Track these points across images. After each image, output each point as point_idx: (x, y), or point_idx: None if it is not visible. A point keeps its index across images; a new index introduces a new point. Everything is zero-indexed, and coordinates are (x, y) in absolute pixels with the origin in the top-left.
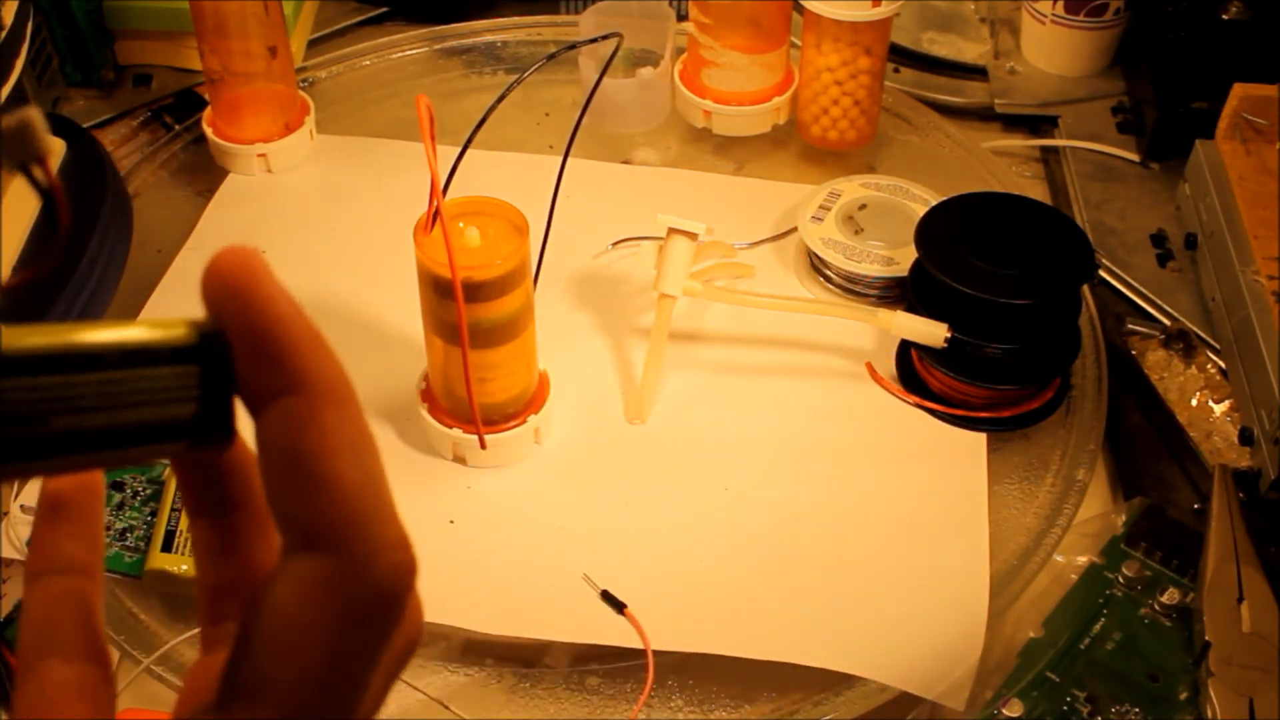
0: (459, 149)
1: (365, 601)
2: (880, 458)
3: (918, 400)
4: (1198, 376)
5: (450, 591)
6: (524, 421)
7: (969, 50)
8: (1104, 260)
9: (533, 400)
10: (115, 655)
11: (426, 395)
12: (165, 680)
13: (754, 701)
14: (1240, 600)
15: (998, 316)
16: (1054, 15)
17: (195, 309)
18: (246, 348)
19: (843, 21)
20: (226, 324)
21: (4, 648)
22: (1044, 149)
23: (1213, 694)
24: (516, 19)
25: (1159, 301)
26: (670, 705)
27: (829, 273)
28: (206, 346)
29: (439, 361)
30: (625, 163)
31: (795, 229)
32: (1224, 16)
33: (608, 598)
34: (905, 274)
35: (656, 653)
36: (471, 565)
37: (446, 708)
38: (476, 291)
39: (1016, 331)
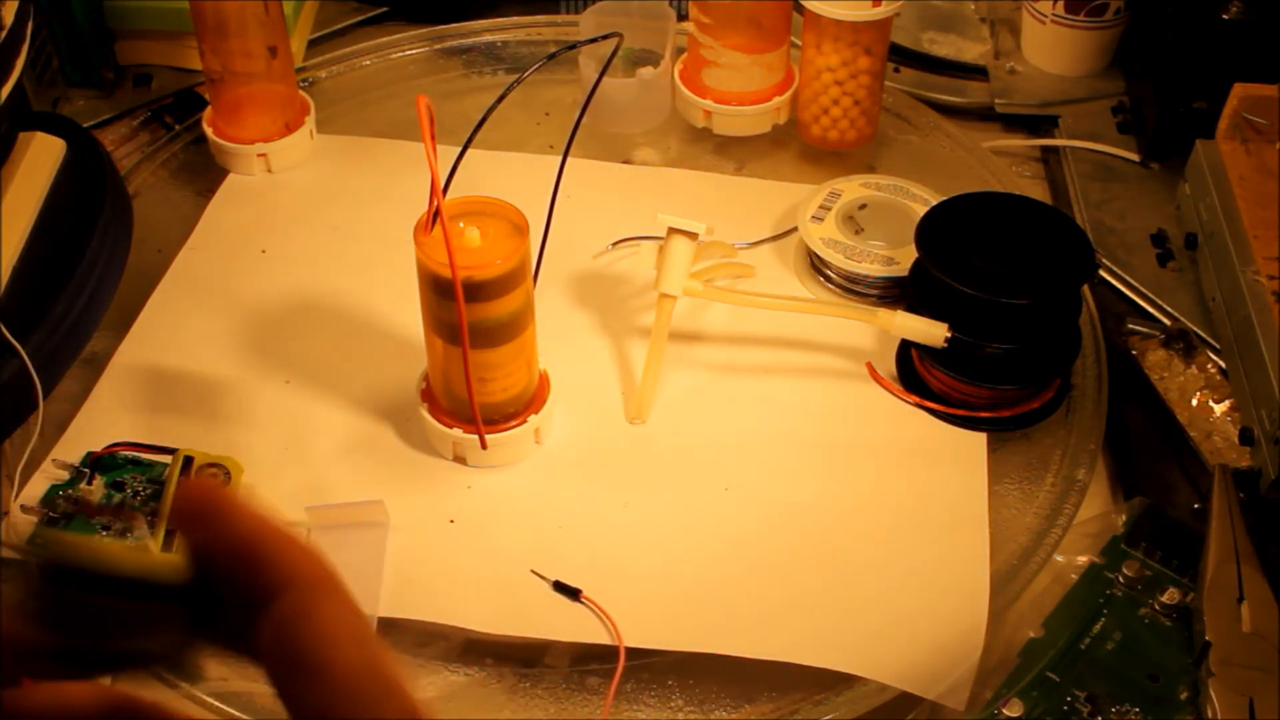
0: (459, 149)
1: None
2: (880, 458)
3: (918, 400)
4: (1198, 376)
5: (450, 591)
6: (524, 421)
7: (969, 50)
8: (1104, 260)
9: (533, 400)
10: None
11: (426, 395)
12: (166, 679)
13: (754, 701)
14: (1240, 600)
15: (998, 316)
16: (1054, 15)
17: (194, 309)
18: (230, 564)
19: (843, 21)
20: (206, 551)
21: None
22: (1044, 149)
23: (1213, 694)
24: (516, 19)
25: (1159, 301)
26: (670, 705)
27: (829, 273)
28: (192, 590)
29: (439, 361)
30: (625, 163)
31: (795, 229)
32: (1224, 16)
33: (560, 587)
34: (905, 274)
35: (657, 652)
36: (471, 565)
37: None
38: (476, 291)
39: (1016, 331)
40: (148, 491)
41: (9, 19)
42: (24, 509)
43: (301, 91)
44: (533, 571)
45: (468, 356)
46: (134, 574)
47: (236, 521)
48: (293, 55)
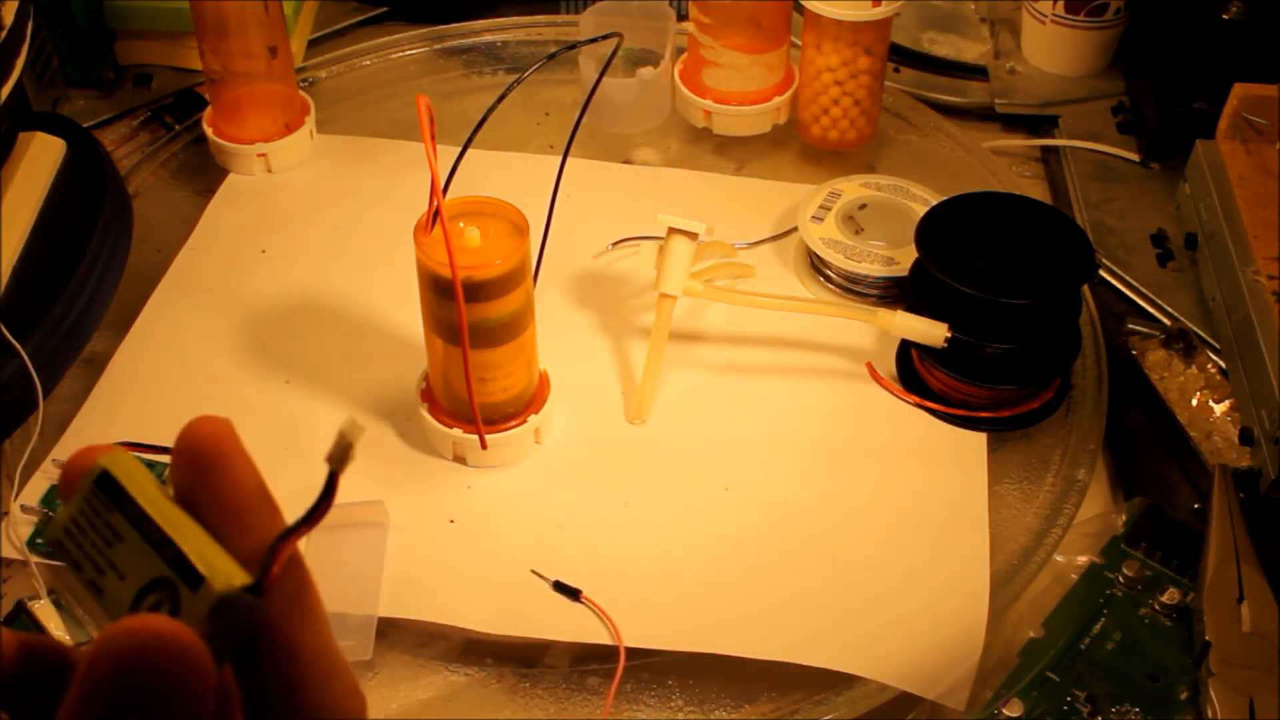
0: (459, 149)
1: None
2: (880, 458)
3: (918, 400)
4: (1198, 376)
5: (450, 591)
6: (524, 421)
7: (969, 50)
8: (1104, 260)
9: (533, 400)
10: None
11: (426, 395)
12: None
13: (754, 701)
14: (1240, 600)
15: (998, 316)
16: (1054, 15)
17: (194, 309)
18: (211, 523)
19: (843, 21)
20: (193, 502)
21: None
22: (1044, 149)
23: (1213, 694)
24: (516, 19)
25: (1159, 301)
26: (670, 705)
27: (829, 273)
28: (234, 607)
29: (439, 361)
30: (625, 163)
31: (795, 229)
32: (1224, 16)
33: (560, 587)
34: (905, 274)
35: (656, 652)
36: (471, 565)
37: None
38: (476, 291)
39: (1016, 331)
40: None
41: (9, 19)
42: (24, 509)
43: (301, 91)
44: (533, 571)
45: (468, 356)
46: (164, 529)
47: (232, 482)
48: (293, 55)
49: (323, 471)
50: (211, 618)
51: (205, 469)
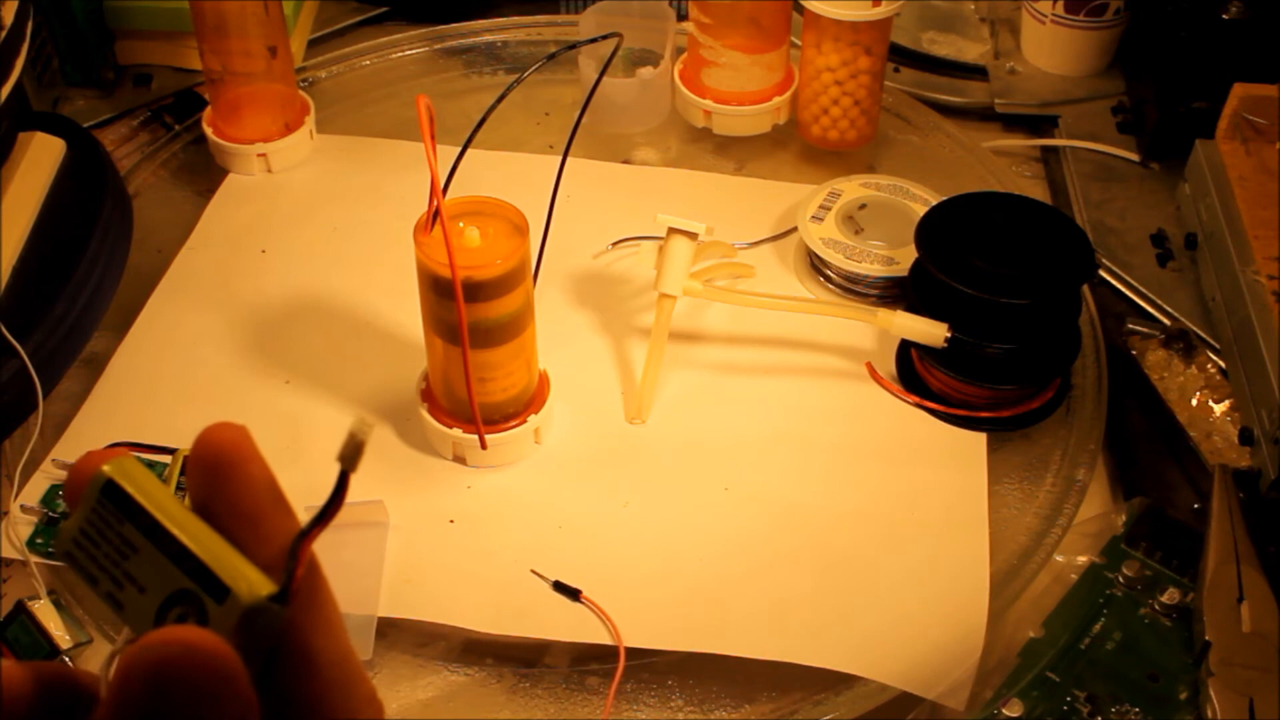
0: (459, 149)
1: None
2: (880, 458)
3: (918, 400)
4: (1198, 376)
5: (450, 591)
6: (524, 421)
7: (969, 50)
8: (1104, 260)
9: (533, 400)
10: None
11: (426, 395)
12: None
13: (754, 701)
14: (1240, 600)
15: (998, 316)
16: (1054, 15)
17: (194, 309)
18: (228, 529)
19: (843, 21)
20: (209, 508)
21: (4, 648)
22: (1044, 149)
23: (1213, 694)
24: (516, 19)
25: (1159, 301)
26: (670, 705)
27: (829, 273)
28: (259, 616)
29: (439, 361)
30: (625, 163)
31: (795, 229)
32: (1224, 16)
33: (560, 587)
34: (905, 274)
35: (656, 652)
36: (471, 565)
37: None
38: (476, 291)
39: (1016, 331)
40: None
41: (9, 19)
42: (24, 509)
43: (301, 91)
44: (533, 571)
45: (468, 356)
46: (179, 538)
47: (248, 488)
48: (293, 55)
49: (325, 470)
50: (240, 629)
51: (223, 476)
